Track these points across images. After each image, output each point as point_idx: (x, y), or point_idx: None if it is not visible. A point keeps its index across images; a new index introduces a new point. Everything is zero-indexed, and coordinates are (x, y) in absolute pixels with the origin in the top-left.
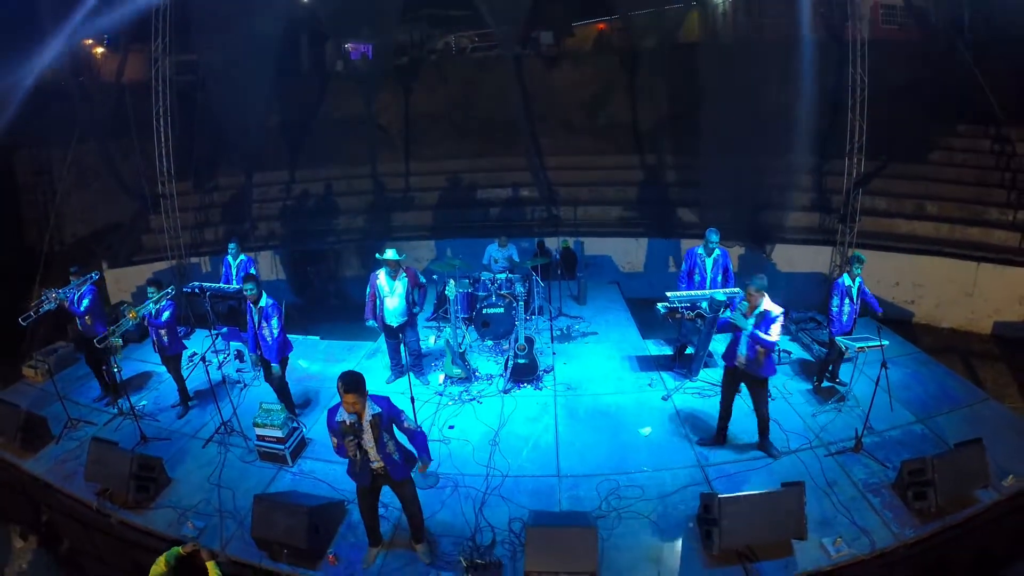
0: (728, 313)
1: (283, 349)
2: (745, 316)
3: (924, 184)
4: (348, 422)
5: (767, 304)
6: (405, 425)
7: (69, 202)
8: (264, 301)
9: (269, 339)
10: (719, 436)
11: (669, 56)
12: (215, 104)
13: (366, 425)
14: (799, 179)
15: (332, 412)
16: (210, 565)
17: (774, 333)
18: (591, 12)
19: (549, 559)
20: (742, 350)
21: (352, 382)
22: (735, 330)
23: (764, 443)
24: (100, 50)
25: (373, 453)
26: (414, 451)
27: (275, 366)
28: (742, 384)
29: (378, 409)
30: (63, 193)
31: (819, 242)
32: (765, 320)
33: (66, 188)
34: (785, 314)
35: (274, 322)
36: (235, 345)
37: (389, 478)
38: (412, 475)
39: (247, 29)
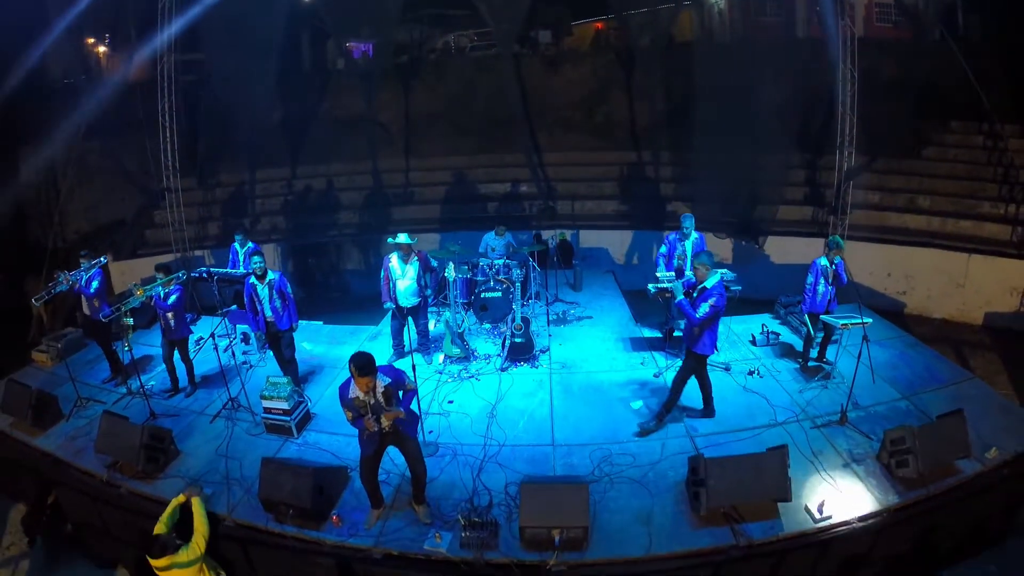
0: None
1: (293, 316)
2: (689, 291)
3: (917, 179)
4: (362, 398)
5: (711, 281)
6: (407, 385)
7: (73, 199)
8: (271, 275)
9: (280, 309)
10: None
11: (665, 55)
12: (219, 102)
13: (379, 397)
14: (793, 174)
15: (344, 388)
16: (195, 501)
17: (702, 309)
18: (589, 12)
19: (543, 514)
20: (681, 323)
21: (365, 365)
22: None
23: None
24: (102, 49)
25: (385, 421)
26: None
27: (285, 335)
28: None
29: (388, 380)
30: (67, 190)
31: (812, 234)
32: (702, 295)
33: (70, 185)
34: (723, 295)
35: (288, 288)
36: (241, 328)
37: (398, 435)
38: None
39: (251, 28)
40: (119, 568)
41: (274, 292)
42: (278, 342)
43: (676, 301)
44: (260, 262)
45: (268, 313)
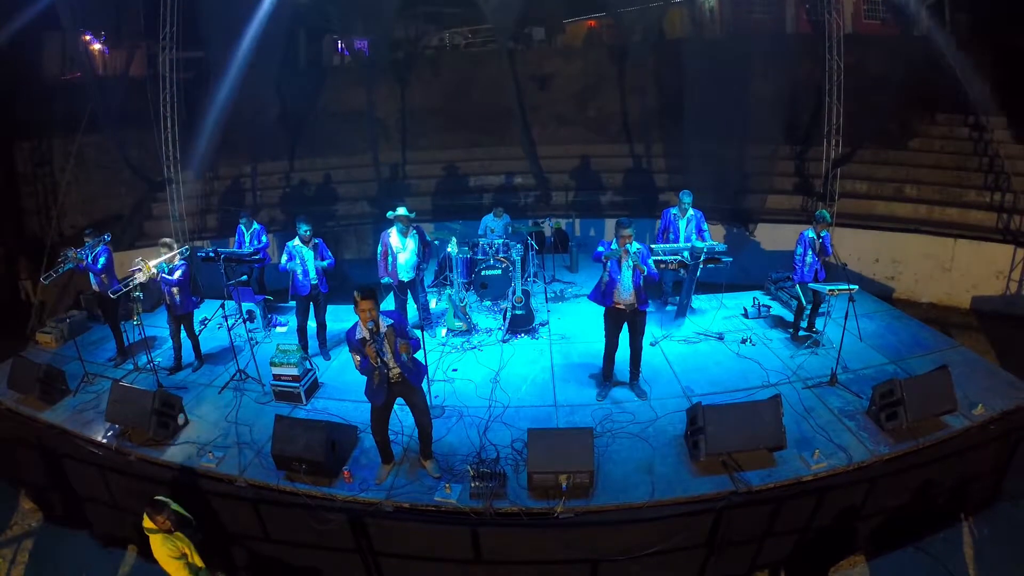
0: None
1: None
2: (625, 256)
3: (904, 169)
4: (368, 337)
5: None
6: (409, 334)
7: (71, 193)
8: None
9: (323, 269)
10: (608, 373)
11: (657, 50)
12: (217, 96)
13: (383, 336)
14: (782, 165)
15: (351, 332)
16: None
17: (653, 265)
18: (582, 9)
19: (549, 459)
20: (627, 290)
21: (368, 290)
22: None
23: (635, 382)
24: (97, 46)
25: (392, 361)
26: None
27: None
28: (624, 323)
29: (391, 320)
30: (66, 184)
31: (801, 222)
32: (642, 257)
33: (68, 179)
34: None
35: (328, 252)
36: (247, 306)
37: (406, 384)
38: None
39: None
40: (129, 547)
41: (318, 255)
42: (318, 303)
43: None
44: (307, 229)
45: (312, 274)
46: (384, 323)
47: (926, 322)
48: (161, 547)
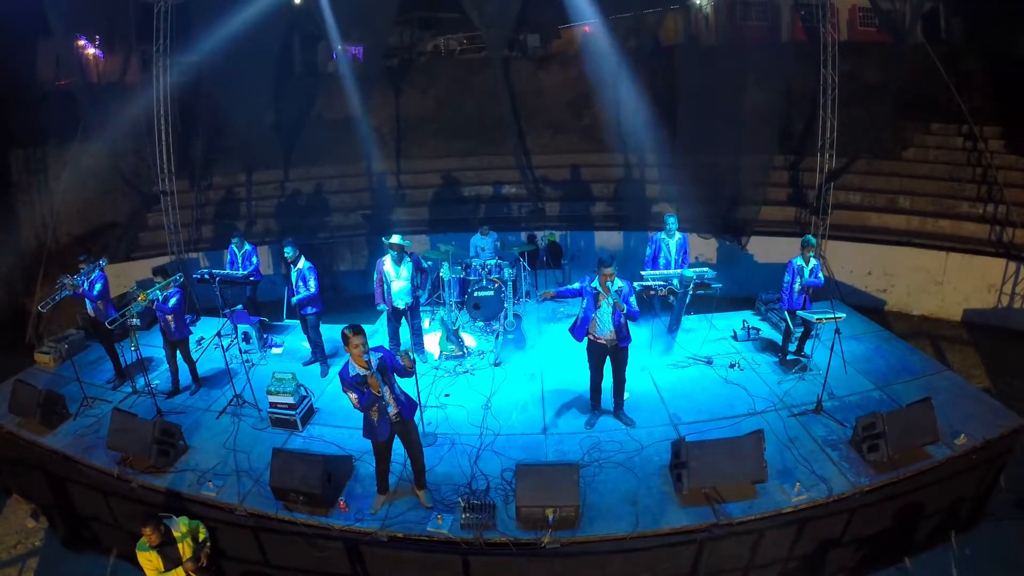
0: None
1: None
2: (605, 294)
3: (898, 180)
4: (363, 374)
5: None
6: (399, 361)
7: (67, 201)
8: (303, 263)
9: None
10: (595, 403)
11: (651, 58)
12: (212, 105)
13: (376, 372)
14: (776, 176)
15: (345, 371)
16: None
17: (635, 303)
18: (577, 15)
19: (537, 494)
20: (606, 327)
21: (357, 327)
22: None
23: (620, 411)
24: (92, 51)
25: (389, 395)
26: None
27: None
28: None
29: (380, 354)
30: (61, 193)
31: (794, 234)
32: (623, 295)
33: (64, 188)
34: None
35: (312, 283)
36: (242, 328)
37: (403, 420)
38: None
39: (245, 32)
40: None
41: (299, 280)
42: (305, 323)
43: (624, 308)
44: (292, 251)
45: (294, 298)
46: (375, 359)
47: (917, 336)
48: (141, 558)
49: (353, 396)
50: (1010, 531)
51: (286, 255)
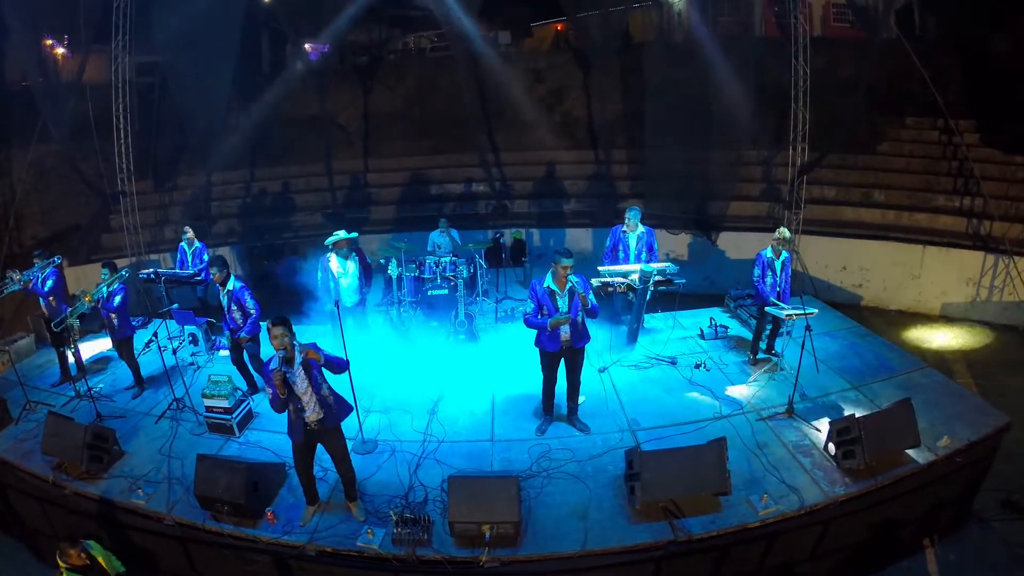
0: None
1: (256, 326)
2: (561, 293)
3: (873, 174)
4: (279, 366)
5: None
6: (325, 356)
7: (29, 203)
8: (232, 284)
9: (240, 321)
10: (548, 407)
11: (623, 55)
12: (175, 104)
13: (298, 368)
14: (748, 171)
15: (267, 364)
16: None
17: (593, 299)
18: (549, 12)
19: (472, 509)
20: (564, 329)
21: (279, 318)
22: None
23: (574, 417)
24: (60, 51)
25: (308, 398)
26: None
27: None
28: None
29: (310, 346)
30: (23, 194)
31: (767, 230)
32: (584, 287)
33: (26, 189)
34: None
35: (249, 303)
36: (189, 328)
37: (324, 428)
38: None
39: (207, 29)
40: None
41: (232, 304)
42: (240, 347)
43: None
44: (216, 271)
45: (230, 321)
46: (300, 349)
47: (894, 330)
48: None
49: (269, 391)
50: (995, 533)
51: (212, 275)
